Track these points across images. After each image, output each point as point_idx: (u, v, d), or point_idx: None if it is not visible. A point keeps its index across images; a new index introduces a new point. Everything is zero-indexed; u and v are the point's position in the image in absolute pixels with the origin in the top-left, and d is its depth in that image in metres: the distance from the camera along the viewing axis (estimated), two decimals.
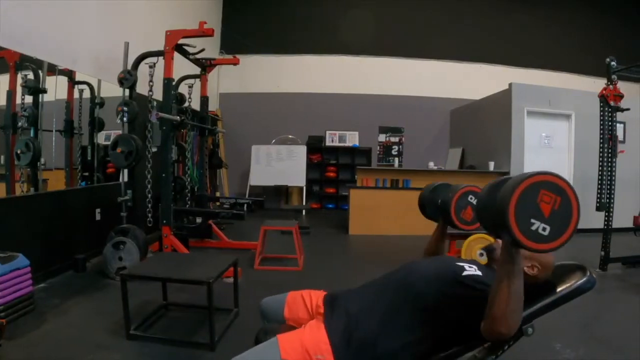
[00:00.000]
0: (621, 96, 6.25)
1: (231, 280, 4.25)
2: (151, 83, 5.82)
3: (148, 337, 3.64)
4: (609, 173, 6.37)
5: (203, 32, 5.64)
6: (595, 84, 6.41)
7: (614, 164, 6.36)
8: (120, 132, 5.95)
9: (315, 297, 2.20)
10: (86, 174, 6.16)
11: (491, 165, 9.47)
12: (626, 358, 3.60)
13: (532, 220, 1.48)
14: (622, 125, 9.14)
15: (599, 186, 6.44)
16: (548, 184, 1.52)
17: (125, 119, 5.56)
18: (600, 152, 6.47)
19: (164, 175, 5.72)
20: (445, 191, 2.56)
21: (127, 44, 5.88)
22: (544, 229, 1.49)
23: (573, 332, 4.14)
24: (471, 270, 1.95)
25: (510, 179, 1.61)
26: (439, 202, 2.58)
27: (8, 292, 3.75)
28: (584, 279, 1.94)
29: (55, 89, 5.43)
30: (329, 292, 2.18)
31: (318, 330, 1.88)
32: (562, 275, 1.99)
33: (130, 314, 3.59)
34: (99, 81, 6.27)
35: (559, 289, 1.94)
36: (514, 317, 1.62)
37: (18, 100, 4.85)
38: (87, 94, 6.10)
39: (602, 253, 6.34)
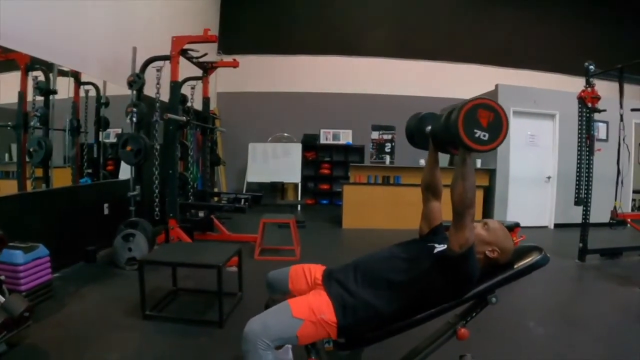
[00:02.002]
0: (598, 98, 6.61)
1: (234, 269, 4.60)
2: (158, 86, 6.11)
3: (162, 317, 4.02)
4: (587, 170, 6.76)
5: (207, 39, 5.97)
6: (581, 84, 6.69)
7: (591, 162, 6.74)
8: (119, 130, 6.25)
9: (315, 270, 2.59)
10: (89, 170, 6.34)
11: (478, 163, 9.78)
12: (591, 336, 3.97)
13: (475, 130, 2.02)
14: (605, 124, 9.53)
15: (577, 182, 6.83)
16: (483, 105, 2.04)
17: (134, 119, 5.86)
18: (578, 150, 6.87)
19: (170, 171, 6.05)
20: (433, 119, 2.76)
21: (135, 49, 6.20)
22: (484, 136, 2.03)
23: (547, 313, 4.58)
24: (440, 248, 2.38)
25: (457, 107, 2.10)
26: (426, 130, 2.76)
27: (31, 279, 4.06)
28: (539, 257, 2.32)
29: (68, 89, 5.74)
30: (327, 268, 2.57)
31: (320, 296, 2.28)
32: (522, 255, 2.37)
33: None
34: (104, 82, 6.46)
35: (516, 265, 2.33)
36: (467, 198, 2.09)
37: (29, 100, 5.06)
38: (91, 93, 6.26)
39: (581, 245, 6.73)
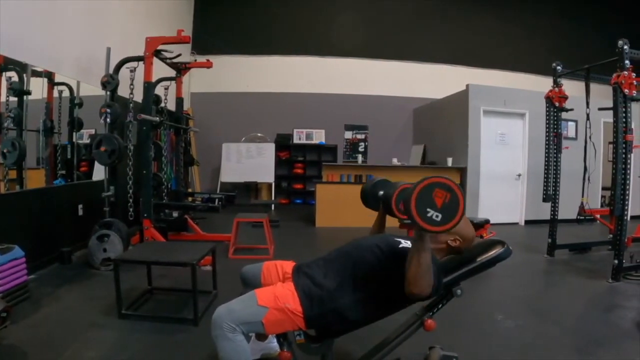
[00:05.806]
0: (565, 97, 6.81)
1: (208, 268, 4.68)
2: (132, 86, 6.12)
3: (138, 316, 4.05)
4: (555, 168, 6.94)
5: (180, 39, 6.01)
6: (551, 84, 6.84)
7: (559, 160, 6.92)
8: (92, 131, 6.23)
9: (286, 265, 2.68)
10: (63, 172, 6.31)
11: (449, 161, 10.01)
12: (559, 326, 4.11)
13: (428, 209, 1.95)
14: (574, 123, 9.75)
15: (545, 180, 7.00)
16: (441, 184, 1.98)
17: (108, 119, 5.85)
18: (546, 148, 7.04)
19: (144, 172, 6.06)
20: (384, 186, 3.10)
21: (109, 49, 6.20)
22: (437, 216, 1.96)
23: (516, 306, 4.71)
24: (406, 244, 2.48)
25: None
26: (379, 194, 3.10)
27: (7, 280, 4.05)
28: (502, 250, 2.43)
29: (42, 89, 5.71)
30: (296, 264, 2.65)
31: (288, 286, 2.36)
32: (485, 248, 2.49)
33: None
34: (78, 82, 6.44)
35: (479, 258, 2.44)
36: (423, 281, 2.07)
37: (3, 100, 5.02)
38: (64, 94, 6.24)
39: (549, 240, 6.91)
